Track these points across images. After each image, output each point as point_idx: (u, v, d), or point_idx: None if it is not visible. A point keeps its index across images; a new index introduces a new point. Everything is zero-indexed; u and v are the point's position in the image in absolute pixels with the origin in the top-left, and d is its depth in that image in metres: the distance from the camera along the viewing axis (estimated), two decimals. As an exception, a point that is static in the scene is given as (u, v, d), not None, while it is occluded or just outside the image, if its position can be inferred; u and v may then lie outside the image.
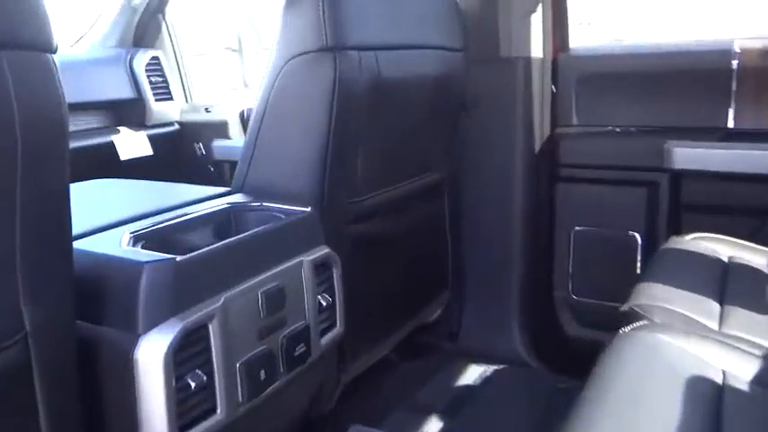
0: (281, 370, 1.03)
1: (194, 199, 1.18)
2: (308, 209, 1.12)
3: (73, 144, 0.72)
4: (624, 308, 1.14)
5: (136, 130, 2.10)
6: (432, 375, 1.69)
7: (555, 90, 1.79)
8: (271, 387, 1.00)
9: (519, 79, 1.69)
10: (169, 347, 0.83)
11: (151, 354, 0.82)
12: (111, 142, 2.01)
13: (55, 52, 0.68)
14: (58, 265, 0.73)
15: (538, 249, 1.80)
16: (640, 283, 1.22)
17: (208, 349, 0.89)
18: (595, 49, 1.97)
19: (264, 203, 1.15)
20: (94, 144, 1.96)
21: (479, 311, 1.82)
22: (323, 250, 1.12)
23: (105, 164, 1.92)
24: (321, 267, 1.12)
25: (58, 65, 0.68)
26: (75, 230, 0.98)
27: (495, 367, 1.73)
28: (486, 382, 1.68)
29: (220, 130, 2.20)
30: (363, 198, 1.34)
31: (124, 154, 2.03)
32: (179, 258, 0.87)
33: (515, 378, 1.70)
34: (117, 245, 0.91)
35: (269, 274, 0.99)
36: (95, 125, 2.06)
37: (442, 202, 1.68)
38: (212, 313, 0.89)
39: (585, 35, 2.57)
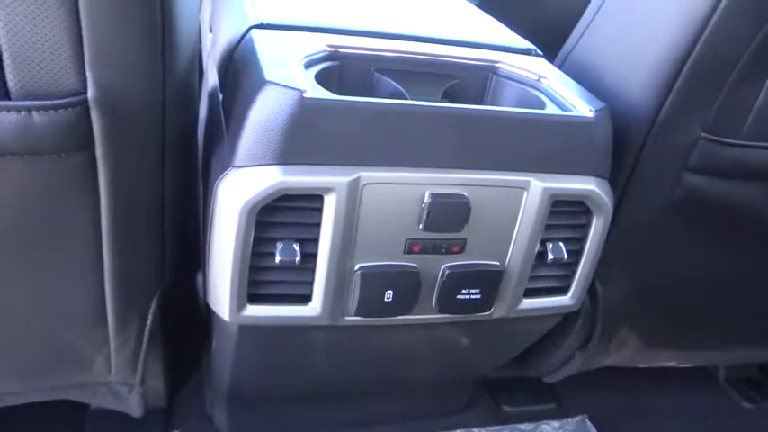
0: (431, 305, 0.73)
1: (478, 42, 0.85)
2: (592, 115, 0.71)
3: None
4: None
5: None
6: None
7: None
8: (401, 317, 0.73)
9: None
10: (254, 197, 0.62)
11: (232, 194, 0.63)
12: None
13: None
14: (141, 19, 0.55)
15: None
16: None
17: (316, 227, 0.66)
18: None
19: (545, 82, 0.77)
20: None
21: None
22: (585, 183, 0.72)
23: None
24: (568, 204, 0.73)
25: None
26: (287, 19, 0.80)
27: None
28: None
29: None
30: (743, 143, 0.82)
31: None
32: (310, 95, 0.61)
33: None
34: (284, 52, 0.69)
35: (454, 176, 0.66)
36: None
37: None
38: (332, 186, 0.63)
39: None
